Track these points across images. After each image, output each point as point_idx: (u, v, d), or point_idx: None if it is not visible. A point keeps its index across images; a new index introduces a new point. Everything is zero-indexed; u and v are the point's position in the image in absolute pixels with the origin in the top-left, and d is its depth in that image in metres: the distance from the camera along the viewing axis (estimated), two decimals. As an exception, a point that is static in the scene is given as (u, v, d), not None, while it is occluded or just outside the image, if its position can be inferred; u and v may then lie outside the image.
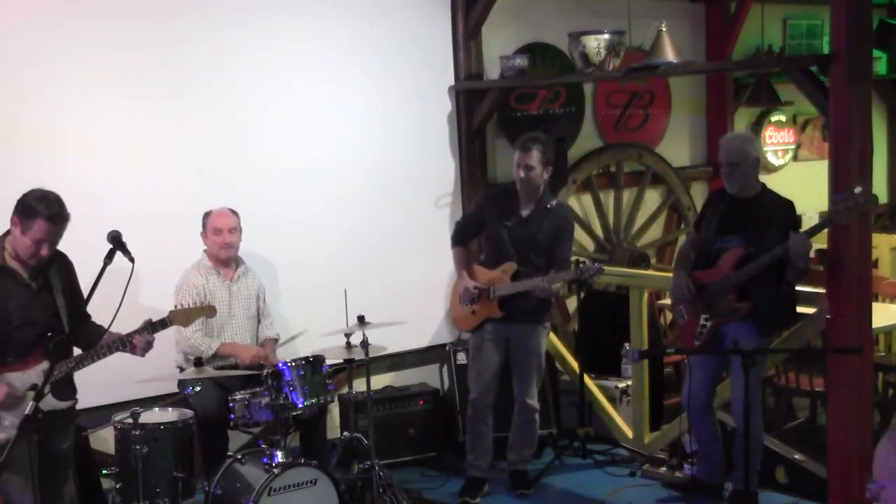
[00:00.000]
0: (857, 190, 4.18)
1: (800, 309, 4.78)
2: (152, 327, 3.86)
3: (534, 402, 5.08)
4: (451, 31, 6.17)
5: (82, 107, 4.93)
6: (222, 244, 4.92)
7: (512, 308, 4.94)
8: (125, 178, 5.05)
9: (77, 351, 3.85)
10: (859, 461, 4.50)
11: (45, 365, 3.65)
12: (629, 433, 5.65)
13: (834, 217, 4.28)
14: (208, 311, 4.12)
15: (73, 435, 4.06)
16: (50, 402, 3.66)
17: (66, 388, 3.82)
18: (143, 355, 3.89)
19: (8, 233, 3.72)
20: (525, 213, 4.95)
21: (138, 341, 3.82)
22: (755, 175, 4.67)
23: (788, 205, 4.61)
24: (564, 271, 4.85)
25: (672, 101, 7.37)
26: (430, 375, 6.11)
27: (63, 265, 3.86)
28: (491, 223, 5.05)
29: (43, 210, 3.61)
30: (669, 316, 6.04)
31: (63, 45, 4.85)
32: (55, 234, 3.67)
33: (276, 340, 5.13)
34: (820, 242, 4.97)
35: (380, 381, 5.87)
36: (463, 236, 5.18)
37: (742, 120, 7.81)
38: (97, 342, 3.82)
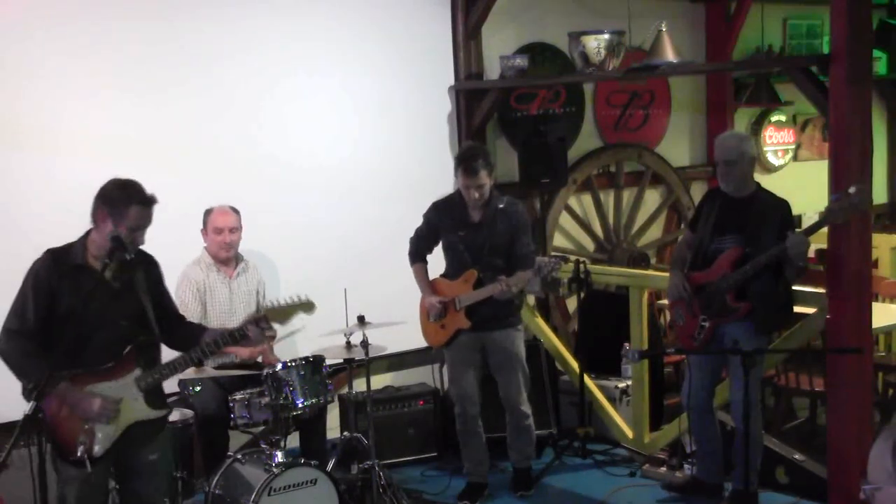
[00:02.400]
0: (852, 190, 4.19)
1: (800, 309, 4.78)
2: (256, 322, 3.63)
3: (525, 407, 5.05)
4: (451, 31, 6.17)
5: (80, 106, 4.93)
6: (222, 244, 4.93)
7: (480, 316, 4.86)
8: (125, 176, 5.04)
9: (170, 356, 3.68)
10: (859, 461, 4.48)
11: (137, 373, 3.50)
12: (629, 433, 5.65)
13: (829, 216, 4.28)
14: (306, 307, 3.78)
15: (166, 446, 3.90)
16: (143, 411, 3.53)
17: (158, 397, 3.62)
18: (256, 346, 3.82)
19: (88, 234, 3.55)
20: (476, 218, 4.88)
21: (253, 332, 3.60)
22: (751, 174, 4.67)
23: (784, 204, 4.60)
24: (524, 272, 4.75)
25: (672, 101, 7.37)
26: (430, 375, 6.10)
27: (149, 266, 3.70)
28: (444, 234, 4.99)
29: (134, 195, 3.49)
30: (669, 316, 6.04)
31: (60, 46, 4.85)
32: (148, 218, 3.54)
33: (272, 338, 5.13)
34: (820, 242, 4.97)
35: (380, 381, 5.87)
36: (419, 252, 5.10)
37: (742, 120, 7.81)
38: (198, 341, 3.64)
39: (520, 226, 4.90)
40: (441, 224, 5.00)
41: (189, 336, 3.72)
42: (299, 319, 5.28)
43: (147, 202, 3.53)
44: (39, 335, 3.44)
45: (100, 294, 3.46)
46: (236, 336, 3.63)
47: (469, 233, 4.88)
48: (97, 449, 3.42)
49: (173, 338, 3.74)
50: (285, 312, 3.74)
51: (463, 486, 5.14)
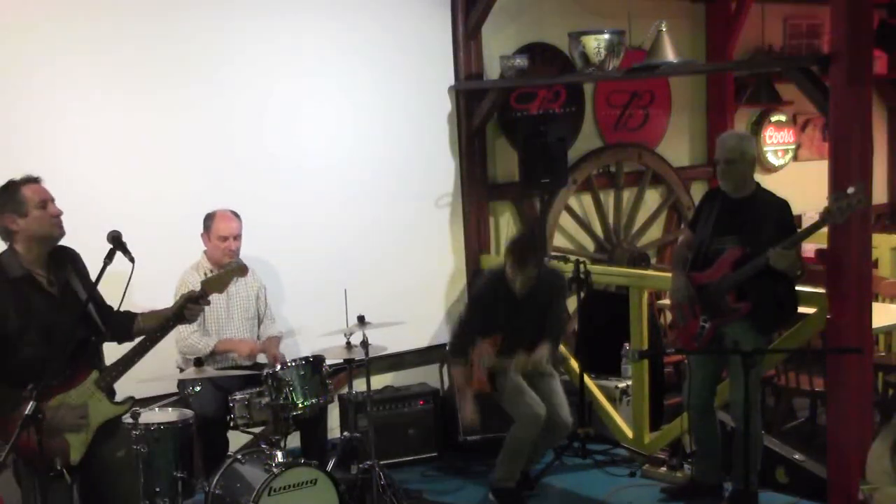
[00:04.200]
0: (850, 190, 4.19)
1: (800, 309, 4.77)
2: (196, 300, 3.64)
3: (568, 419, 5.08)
4: (451, 31, 6.17)
5: (81, 107, 4.93)
6: (227, 251, 4.89)
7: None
8: (126, 178, 5.06)
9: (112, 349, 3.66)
10: (859, 461, 4.48)
11: (95, 375, 3.47)
12: (629, 433, 5.65)
13: (827, 217, 4.28)
14: (240, 271, 3.84)
15: (132, 445, 3.91)
16: (109, 409, 3.50)
17: (113, 393, 3.59)
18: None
19: (12, 246, 3.49)
20: (519, 292, 4.92)
21: (190, 310, 3.61)
22: (751, 174, 4.67)
23: (783, 204, 4.60)
24: (542, 345, 4.94)
25: (672, 101, 7.37)
26: (430, 375, 6.12)
27: (74, 260, 3.62)
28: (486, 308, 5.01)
29: (17, 181, 3.46)
30: (669, 316, 6.04)
31: (61, 45, 4.86)
32: (46, 191, 3.50)
33: (279, 338, 5.13)
34: (820, 242, 4.97)
35: (380, 381, 5.87)
36: (463, 348, 5.05)
37: (742, 120, 7.81)
38: (130, 330, 3.66)
39: (559, 295, 5.08)
40: (488, 300, 5.02)
41: (120, 325, 3.68)
42: (300, 319, 5.36)
43: (31, 178, 3.49)
44: None
45: (44, 304, 3.44)
46: (178, 317, 3.61)
47: (510, 308, 4.93)
48: (74, 458, 3.39)
49: (109, 329, 3.66)
50: (221, 280, 3.75)
51: (492, 498, 5.02)
